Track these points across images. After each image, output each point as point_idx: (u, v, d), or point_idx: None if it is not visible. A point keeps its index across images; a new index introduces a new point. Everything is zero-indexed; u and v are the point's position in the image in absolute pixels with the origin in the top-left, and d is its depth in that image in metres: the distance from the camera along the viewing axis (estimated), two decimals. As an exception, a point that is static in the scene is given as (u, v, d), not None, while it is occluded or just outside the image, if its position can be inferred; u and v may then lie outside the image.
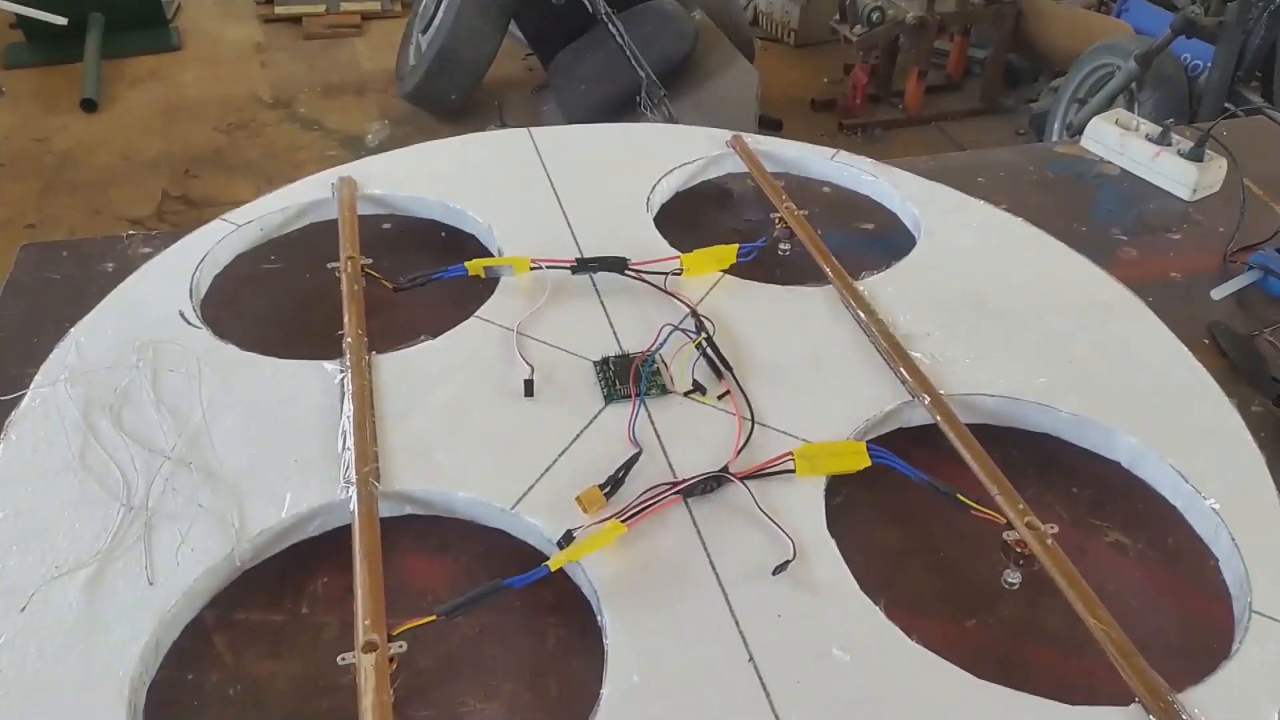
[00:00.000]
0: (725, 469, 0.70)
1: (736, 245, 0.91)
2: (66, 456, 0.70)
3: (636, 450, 0.71)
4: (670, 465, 0.71)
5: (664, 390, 0.77)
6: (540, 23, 3.04)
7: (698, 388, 0.77)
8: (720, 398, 0.77)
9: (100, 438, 0.71)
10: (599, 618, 0.61)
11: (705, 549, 0.65)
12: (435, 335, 0.83)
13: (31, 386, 0.76)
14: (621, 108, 2.73)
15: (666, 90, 2.68)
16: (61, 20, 3.36)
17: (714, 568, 0.64)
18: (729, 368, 0.79)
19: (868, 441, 0.73)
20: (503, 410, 0.76)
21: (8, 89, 3.29)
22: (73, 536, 0.65)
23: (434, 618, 0.59)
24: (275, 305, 0.91)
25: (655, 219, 0.99)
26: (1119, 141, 1.18)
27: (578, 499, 0.67)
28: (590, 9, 2.72)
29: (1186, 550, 0.71)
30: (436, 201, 0.99)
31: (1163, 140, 1.15)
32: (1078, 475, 0.77)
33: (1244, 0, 2.51)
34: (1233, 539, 0.67)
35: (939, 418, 0.75)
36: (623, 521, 0.65)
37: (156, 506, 0.66)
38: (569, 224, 0.96)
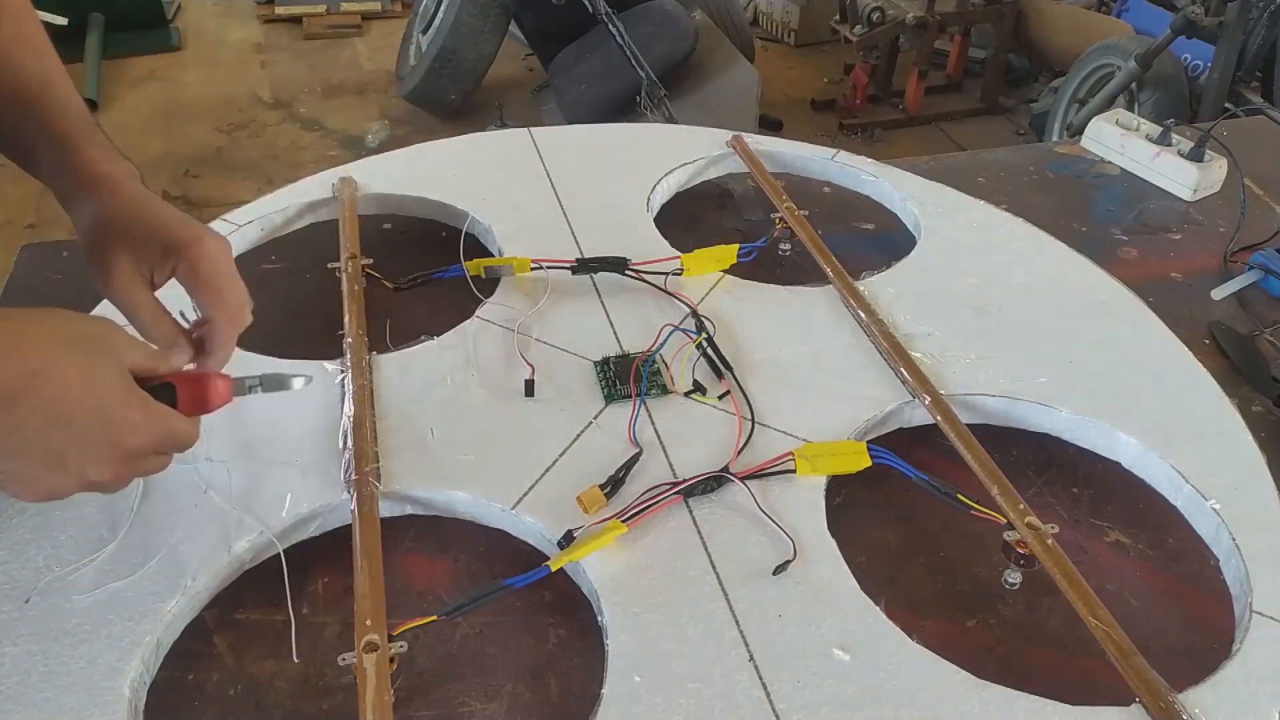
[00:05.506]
0: (725, 469, 0.70)
1: (737, 245, 0.91)
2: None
3: (637, 450, 0.71)
4: (670, 465, 0.71)
5: (664, 390, 0.77)
6: (540, 23, 3.05)
7: (698, 388, 0.77)
8: (720, 398, 0.77)
9: (100, 438, 0.71)
10: (599, 618, 0.61)
11: (705, 549, 0.65)
12: (435, 335, 0.83)
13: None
14: (621, 108, 2.73)
15: (666, 90, 2.68)
16: (62, 20, 3.36)
17: (714, 568, 0.64)
18: (729, 368, 0.79)
19: (868, 441, 0.73)
20: (503, 410, 0.76)
21: (8, 89, 3.28)
22: (73, 535, 0.65)
23: (435, 618, 0.60)
24: (275, 305, 0.91)
25: (655, 219, 0.99)
26: (1119, 141, 1.18)
27: (578, 499, 0.67)
28: (590, 9, 2.72)
29: (1187, 550, 0.71)
30: (437, 202, 0.98)
31: (1163, 140, 1.15)
32: (1078, 475, 0.77)
33: (1244, 0, 2.52)
34: (1233, 539, 0.67)
35: (939, 418, 0.75)
36: (623, 521, 0.65)
37: (156, 506, 0.66)
38: (569, 224, 0.96)
